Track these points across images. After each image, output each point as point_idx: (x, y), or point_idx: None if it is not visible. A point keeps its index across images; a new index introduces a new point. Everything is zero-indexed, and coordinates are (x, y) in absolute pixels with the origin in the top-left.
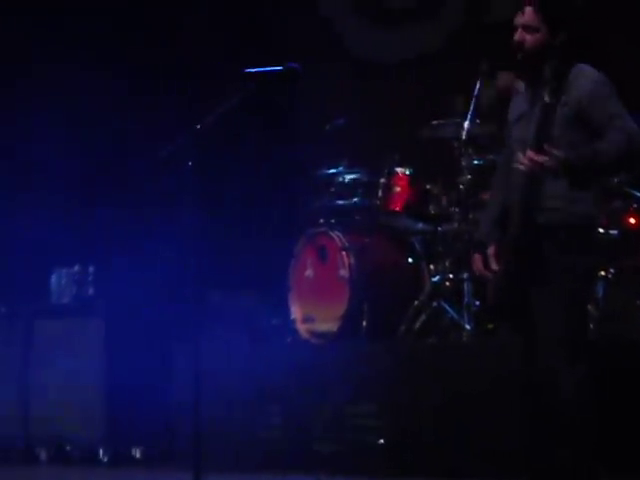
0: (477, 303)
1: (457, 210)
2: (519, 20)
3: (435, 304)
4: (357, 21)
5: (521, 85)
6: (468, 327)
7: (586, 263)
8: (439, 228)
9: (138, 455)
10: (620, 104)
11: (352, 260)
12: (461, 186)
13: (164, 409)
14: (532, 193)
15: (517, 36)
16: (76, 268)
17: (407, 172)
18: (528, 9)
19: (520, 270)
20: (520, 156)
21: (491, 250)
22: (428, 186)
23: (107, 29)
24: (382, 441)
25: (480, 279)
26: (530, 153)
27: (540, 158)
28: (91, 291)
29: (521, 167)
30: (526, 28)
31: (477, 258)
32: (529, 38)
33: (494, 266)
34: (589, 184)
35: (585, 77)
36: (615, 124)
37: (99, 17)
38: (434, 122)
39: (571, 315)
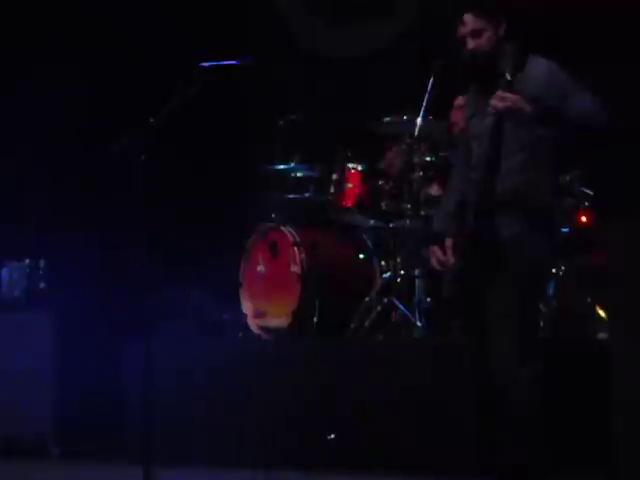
0: (428, 300)
1: (409, 207)
2: (464, 30)
3: (386, 300)
4: (310, 17)
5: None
6: (419, 324)
7: (542, 261)
8: (391, 224)
9: (89, 450)
10: (578, 84)
11: (304, 256)
12: (413, 183)
13: (115, 404)
14: (488, 190)
15: (470, 45)
16: (27, 262)
17: (359, 168)
18: (467, 16)
19: (474, 267)
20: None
21: (448, 243)
22: (380, 182)
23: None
24: (332, 436)
25: (436, 272)
26: (501, 92)
27: (512, 97)
28: (42, 285)
29: (491, 110)
30: (474, 34)
31: (435, 250)
32: (481, 42)
33: (451, 259)
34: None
35: (539, 66)
36: (579, 94)
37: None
38: (386, 119)
39: (525, 314)
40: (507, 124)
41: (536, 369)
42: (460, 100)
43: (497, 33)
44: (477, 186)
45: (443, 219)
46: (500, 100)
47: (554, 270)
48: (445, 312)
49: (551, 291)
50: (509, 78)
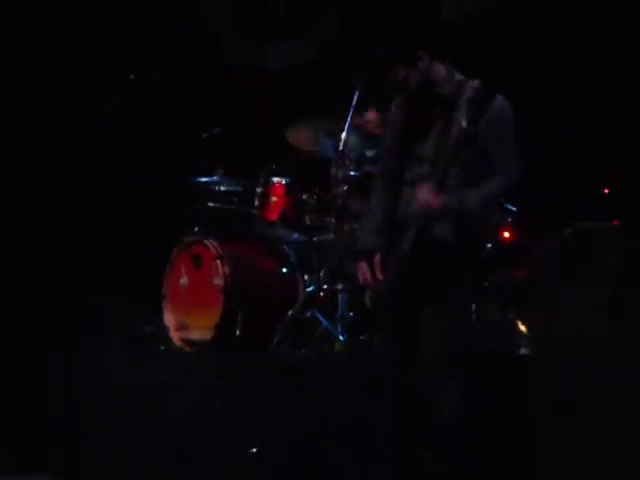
0: (351, 314)
1: (332, 221)
2: (390, 88)
3: (309, 314)
4: (235, 30)
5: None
6: (342, 338)
7: (473, 278)
8: (314, 238)
9: (9, 463)
10: (512, 136)
11: (227, 269)
12: (337, 197)
13: (37, 416)
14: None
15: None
16: None
17: (283, 182)
18: (388, 69)
19: (406, 284)
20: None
21: (377, 259)
22: (304, 196)
23: None
24: (254, 450)
25: (363, 287)
26: (421, 191)
27: (431, 196)
28: None
29: (416, 206)
30: (401, 86)
31: (363, 265)
32: (411, 87)
33: (379, 275)
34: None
35: (485, 101)
36: (506, 167)
37: None
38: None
39: (456, 329)
40: (452, 146)
41: (464, 385)
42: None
43: (420, 69)
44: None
45: (371, 235)
46: (422, 198)
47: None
48: (367, 326)
49: (474, 306)
50: (464, 125)
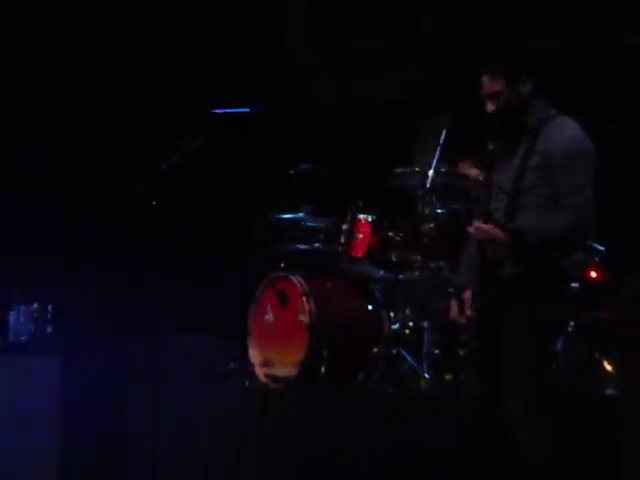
0: (437, 352)
1: (418, 258)
2: (482, 92)
3: (395, 352)
4: (323, 69)
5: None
6: (427, 376)
7: (553, 314)
8: (400, 276)
9: None
10: (586, 170)
11: (312, 305)
12: (424, 234)
13: (119, 451)
14: (491, 248)
15: (488, 108)
16: (35, 306)
17: (370, 219)
18: (485, 78)
19: (486, 320)
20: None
21: (467, 295)
22: (390, 233)
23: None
24: None
25: (453, 326)
26: (477, 223)
27: (486, 227)
28: (49, 329)
29: (472, 234)
30: (490, 97)
31: (453, 304)
32: (499, 103)
33: (468, 312)
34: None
35: (560, 133)
36: (569, 202)
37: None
38: (398, 170)
39: (537, 366)
40: (528, 178)
41: (545, 422)
42: (466, 164)
43: (518, 91)
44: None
45: (464, 271)
46: (476, 231)
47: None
48: (453, 364)
49: (560, 346)
50: (521, 153)
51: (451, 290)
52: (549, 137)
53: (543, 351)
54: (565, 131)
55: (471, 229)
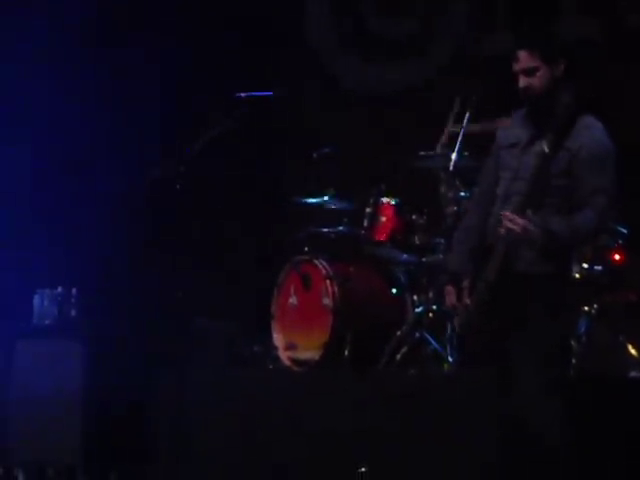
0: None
1: (442, 241)
2: (517, 67)
3: (418, 335)
4: (345, 52)
5: (513, 118)
6: (450, 358)
7: (563, 305)
8: (423, 259)
9: None
10: (611, 172)
11: (336, 289)
12: (447, 217)
13: (145, 434)
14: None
15: (522, 84)
16: (59, 290)
17: (393, 202)
18: (522, 53)
19: (493, 311)
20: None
21: (465, 283)
22: (413, 217)
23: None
24: (363, 469)
25: (450, 311)
26: (510, 215)
27: (521, 221)
28: (73, 313)
29: (501, 230)
30: (526, 72)
31: (450, 290)
32: (534, 81)
33: (467, 300)
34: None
35: (589, 133)
36: (595, 201)
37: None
38: (421, 153)
39: (548, 355)
40: (551, 170)
41: (558, 406)
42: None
43: (552, 73)
44: (505, 240)
45: (459, 258)
46: (509, 222)
47: (587, 308)
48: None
49: (583, 329)
50: (546, 151)
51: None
52: (578, 135)
53: (555, 343)
54: (595, 132)
55: (505, 218)
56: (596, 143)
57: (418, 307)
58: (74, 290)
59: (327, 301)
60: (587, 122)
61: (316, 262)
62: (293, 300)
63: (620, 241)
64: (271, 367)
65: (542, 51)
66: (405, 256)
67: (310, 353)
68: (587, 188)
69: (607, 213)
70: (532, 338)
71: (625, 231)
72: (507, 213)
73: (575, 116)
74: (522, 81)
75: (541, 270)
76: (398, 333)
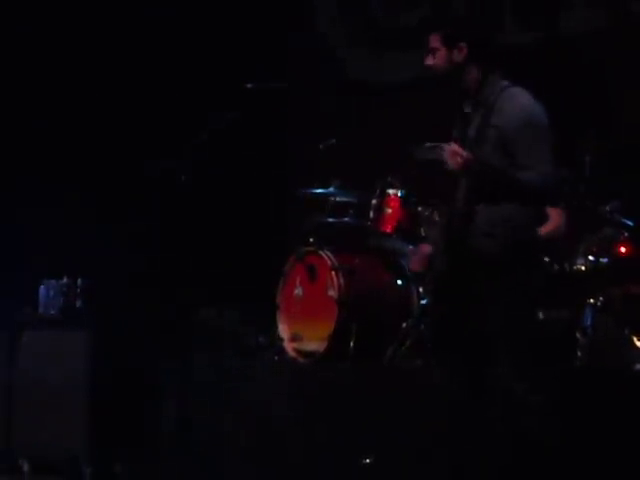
0: None
1: None
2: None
3: (423, 326)
4: (354, 42)
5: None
6: None
7: (524, 280)
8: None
9: (122, 471)
10: (543, 142)
11: (341, 280)
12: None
13: (149, 425)
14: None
15: (426, 61)
16: (64, 280)
17: (399, 194)
18: (432, 34)
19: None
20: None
21: (425, 249)
22: (419, 208)
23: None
24: (368, 460)
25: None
26: (454, 146)
27: (464, 153)
28: (79, 303)
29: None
30: (431, 52)
31: (411, 252)
32: (435, 60)
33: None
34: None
35: (515, 105)
36: (535, 169)
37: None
38: (428, 144)
39: (514, 328)
40: (484, 150)
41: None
42: None
43: (451, 56)
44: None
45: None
46: (452, 155)
47: (592, 300)
48: None
49: (588, 321)
50: (478, 123)
51: None
52: (501, 109)
53: (519, 316)
54: (515, 102)
55: (448, 149)
56: (518, 114)
57: (424, 298)
58: (79, 280)
59: (332, 292)
60: (511, 93)
61: (321, 253)
62: (298, 291)
63: (626, 234)
64: (276, 358)
65: (442, 35)
66: (411, 247)
67: (315, 344)
68: (520, 161)
69: (547, 181)
70: (497, 315)
71: (631, 224)
72: (452, 146)
73: (500, 93)
74: (428, 58)
75: (499, 245)
76: (404, 325)
